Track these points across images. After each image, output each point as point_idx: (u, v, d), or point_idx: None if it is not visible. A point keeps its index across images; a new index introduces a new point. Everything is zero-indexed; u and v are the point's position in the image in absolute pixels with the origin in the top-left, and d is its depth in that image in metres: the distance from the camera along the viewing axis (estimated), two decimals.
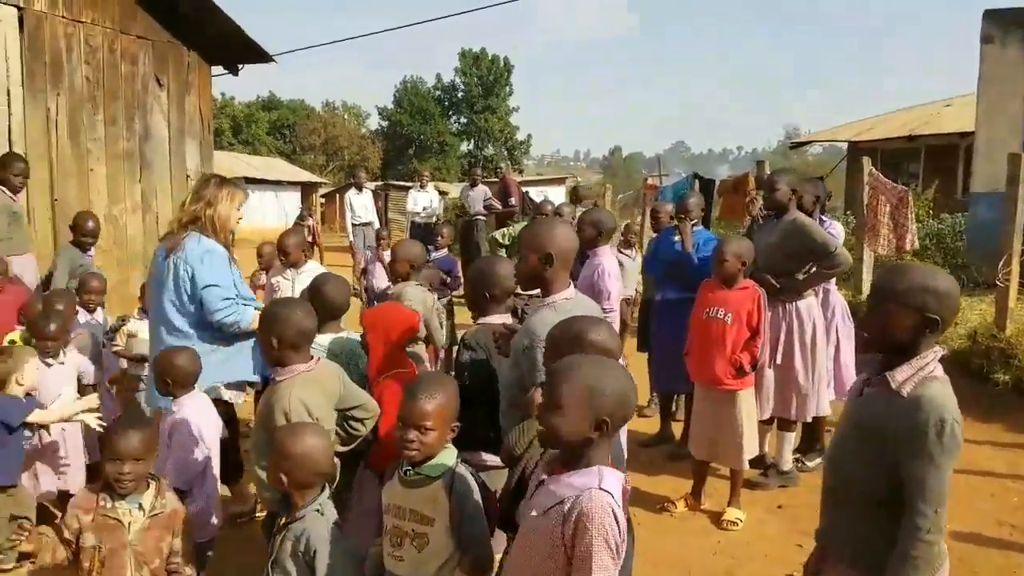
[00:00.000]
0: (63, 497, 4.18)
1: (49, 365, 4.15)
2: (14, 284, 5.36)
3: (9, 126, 6.25)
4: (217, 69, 8.74)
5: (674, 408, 5.87)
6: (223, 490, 4.29)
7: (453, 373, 4.18)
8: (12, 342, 4.36)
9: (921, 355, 2.15)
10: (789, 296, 4.74)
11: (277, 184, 28.25)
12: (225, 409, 4.04)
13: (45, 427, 3.81)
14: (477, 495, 2.30)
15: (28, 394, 3.76)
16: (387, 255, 7.13)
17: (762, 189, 7.87)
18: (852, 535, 2.22)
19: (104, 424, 3.60)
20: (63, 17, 6.71)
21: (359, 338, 3.60)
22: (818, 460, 5.14)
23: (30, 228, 5.91)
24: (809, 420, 4.90)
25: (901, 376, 2.13)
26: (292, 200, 27.65)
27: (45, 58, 6.56)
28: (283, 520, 2.45)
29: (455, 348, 5.52)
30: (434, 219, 12.22)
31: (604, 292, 4.61)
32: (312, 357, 2.97)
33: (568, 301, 2.79)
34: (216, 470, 3.51)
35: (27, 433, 3.79)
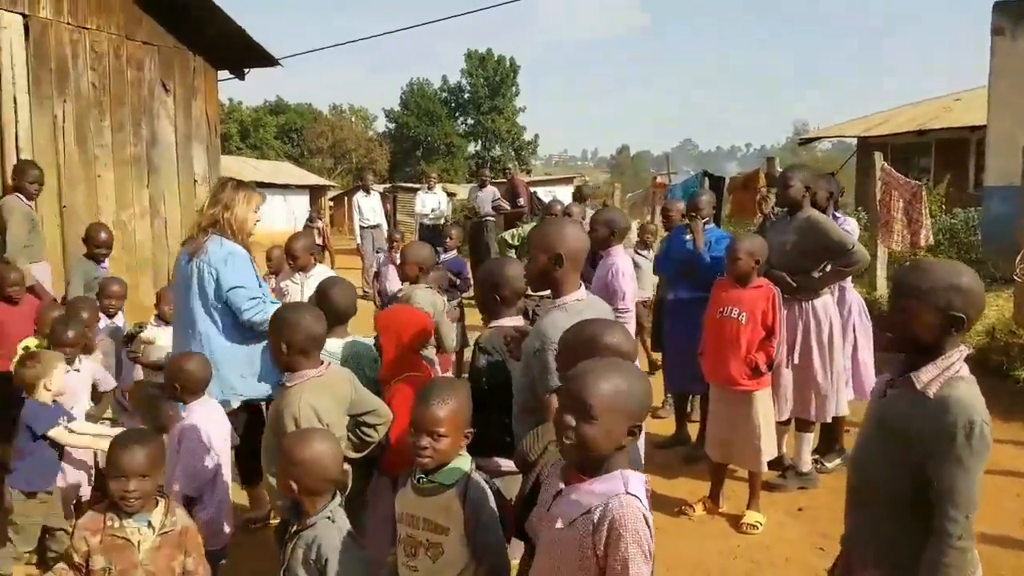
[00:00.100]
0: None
1: (66, 372, 4.13)
2: (33, 294, 5.38)
3: (16, 133, 6.24)
4: (223, 74, 8.72)
5: (689, 409, 5.80)
6: (240, 495, 4.28)
7: (466, 376, 4.15)
8: (26, 348, 4.34)
9: (946, 355, 2.09)
10: (805, 295, 4.66)
11: (285, 188, 28.27)
12: (251, 412, 4.03)
13: None
14: (492, 503, 2.24)
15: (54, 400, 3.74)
16: (400, 257, 7.09)
17: (773, 186, 7.83)
18: (876, 535, 2.17)
19: None
20: (68, 24, 6.69)
21: (367, 342, 3.56)
22: (837, 461, 5.07)
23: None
24: (828, 420, 4.81)
25: (926, 377, 2.07)
26: (300, 204, 27.65)
27: (51, 65, 6.55)
28: (294, 527, 2.42)
29: (465, 351, 5.50)
30: (442, 221, 12.18)
31: (619, 292, 4.54)
32: (322, 362, 2.93)
33: (579, 302, 2.74)
34: (228, 477, 3.47)
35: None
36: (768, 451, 4.34)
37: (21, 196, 5.56)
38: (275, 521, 3.72)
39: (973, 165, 14.83)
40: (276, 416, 2.82)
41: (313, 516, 2.35)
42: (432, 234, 11.00)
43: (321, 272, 5.24)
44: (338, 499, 2.42)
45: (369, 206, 12.19)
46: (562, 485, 1.93)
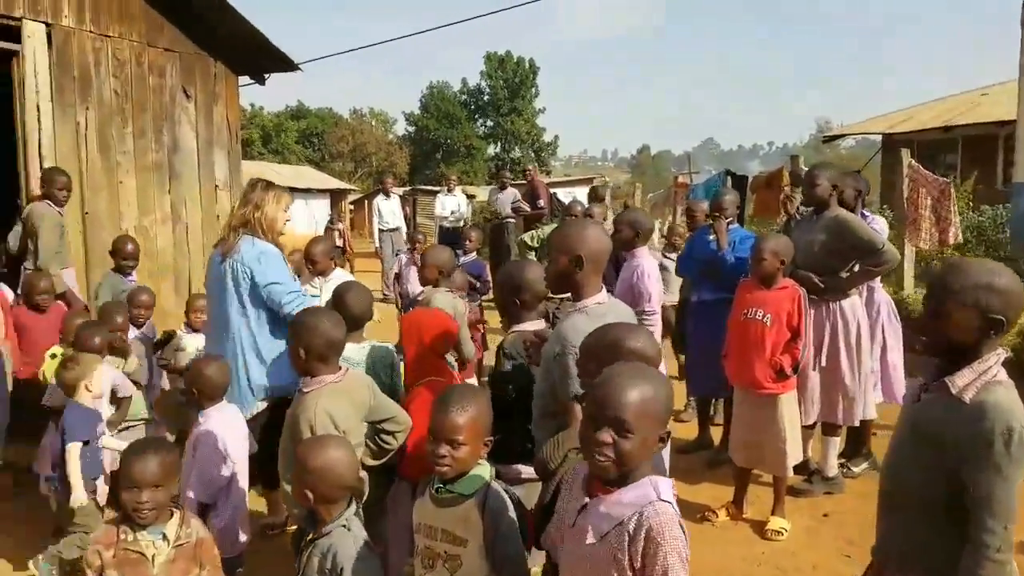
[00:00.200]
0: None
1: None
2: (64, 301, 5.44)
3: (39, 141, 6.29)
4: (244, 79, 8.76)
5: (712, 412, 5.72)
6: (258, 500, 4.27)
7: (486, 379, 4.10)
8: (52, 356, 4.38)
9: (983, 358, 2.02)
10: (833, 295, 4.57)
11: (306, 192, 28.40)
12: (274, 414, 4.03)
13: None
14: (512, 512, 2.19)
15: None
16: (419, 260, 7.08)
17: (797, 184, 7.73)
18: (909, 540, 2.11)
19: None
20: (90, 32, 6.74)
21: (384, 347, 3.53)
22: (864, 465, 4.97)
23: None
24: (856, 424, 4.71)
25: (962, 381, 2.01)
26: (321, 207, 27.77)
27: (74, 73, 6.59)
28: (310, 536, 2.38)
29: (485, 354, 5.42)
30: (462, 223, 12.18)
31: (644, 294, 4.49)
32: (340, 368, 2.91)
33: (601, 306, 2.68)
34: (244, 483, 3.46)
35: (101, 443, 3.80)
36: (793, 455, 4.25)
37: (50, 203, 5.61)
38: (293, 528, 3.71)
39: (1001, 161, 14.56)
40: (292, 422, 2.81)
41: (329, 524, 2.32)
42: (452, 236, 11.00)
43: (340, 276, 5.23)
44: (353, 507, 2.38)
45: (388, 209, 12.23)
46: (587, 498, 1.87)
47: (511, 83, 52.68)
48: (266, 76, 8.93)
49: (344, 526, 2.32)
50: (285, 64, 8.61)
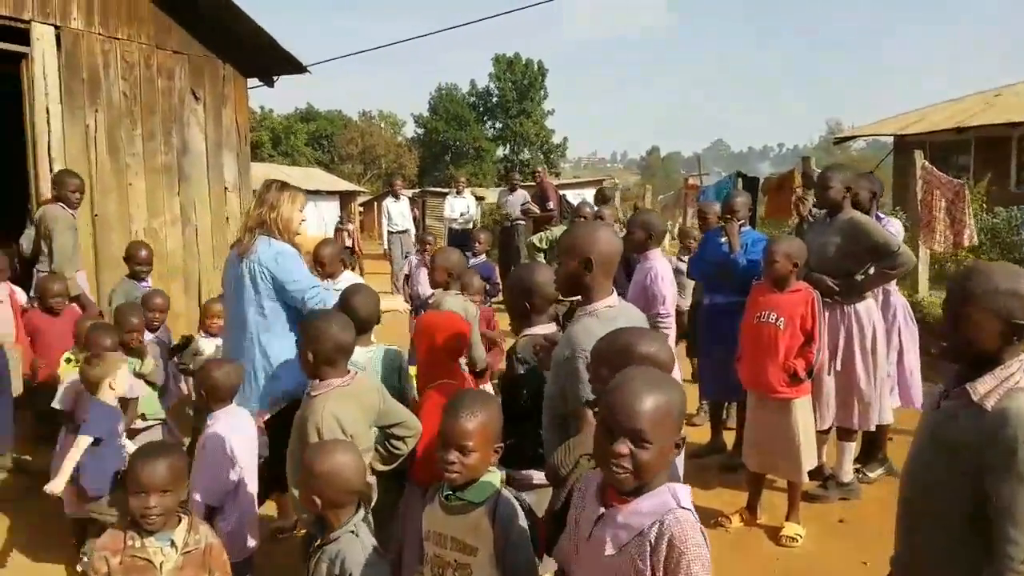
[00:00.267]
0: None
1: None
2: (78, 303, 5.43)
3: (49, 143, 6.29)
4: (253, 81, 8.77)
5: (725, 416, 5.65)
6: (268, 504, 4.24)
7: (496, 383, 4.06)
8: (68, 360, 4.37)
9: (1005, 364, 1.97)
10: (847, 299, 4.51)
11: (316, 194, 28.46)
12: (286, 416, 4.03)
13: None
14: (523, 521, 2.15)
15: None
16: (430, 263, 7.03)
17: (809, 186, 7.66)
18: (929, 548, 2.06)
19: None
20: (99, 34, 6.74)
21: (392, 350, 3.49)
22: (880, 471, 4.90)
23: None
24: (872, 429, 4.64)
25: (983, 388, 1.95)
26: (331, 209, 27.85)
27: (83, 75, 6.60)
28: (318, 541, 2.35)
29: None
30: (471, 225, 12.15)
31: (658, 297, 4.42)
32: (349, 372, 2.87)
33: (611, 309, 2.63)
34: (252, 487, 3.43)
35: (123, 442, 3.80)
36: (808, 461, 4.19)
37: (63, 205, 5.61)
38: (302, 532, 3.67)
39: (1015, 162, 14.44)
40: (300, 425, 2.78)
41: (337, 530, 2.28)
42: (461, 238, 10.96)
43: (349, 279, 5.19)
44: (362, 513, 2.34)
45: (398, 211, 12.22)
46: (602, 509, 1.82)
47: (520, 85, 52.74)
48: (275, 78, 8.93)
49: (352, 532, 2.28)
50: (293, 66, 8.61)
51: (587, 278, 2.63)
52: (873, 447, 4.95)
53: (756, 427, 4.35)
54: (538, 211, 11.07)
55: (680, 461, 2.64)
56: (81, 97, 6.60)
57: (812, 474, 4.40)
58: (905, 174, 10.06)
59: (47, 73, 6.31)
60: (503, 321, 4.69)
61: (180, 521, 2.49)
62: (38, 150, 6.27)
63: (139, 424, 4.37)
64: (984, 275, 2.01)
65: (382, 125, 54.19)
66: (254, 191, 8.95)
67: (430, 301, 4.66)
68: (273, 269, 3.64)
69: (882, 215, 5.10)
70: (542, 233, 8.36)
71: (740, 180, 10.15)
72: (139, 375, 4.35)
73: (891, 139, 17.63)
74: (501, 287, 6.94)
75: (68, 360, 4.38)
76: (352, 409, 2.75)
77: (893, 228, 4.90)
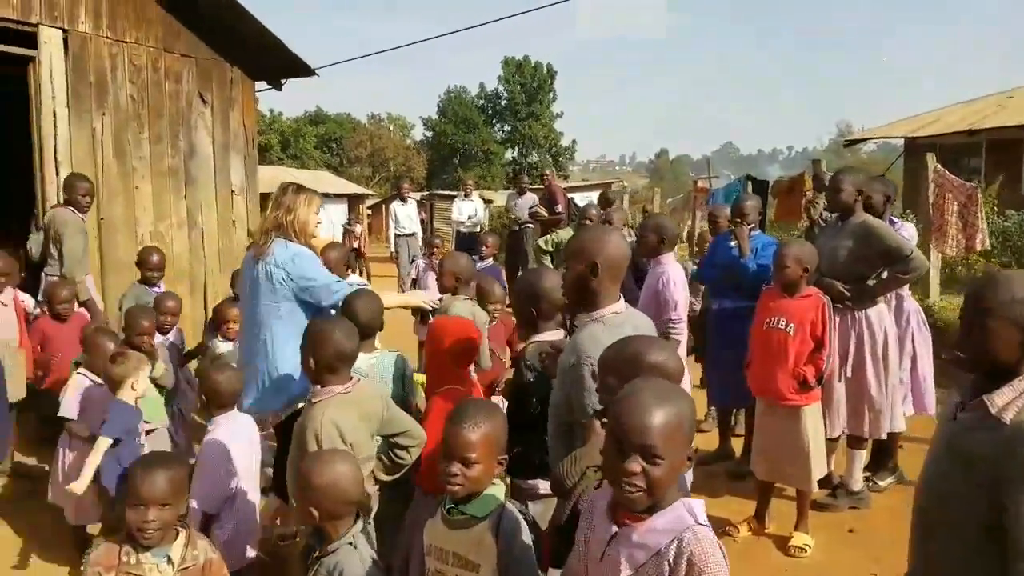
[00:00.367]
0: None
1: (102, 385, 4.12)
2: (86, 308, 5.42)
3: (55, 146, 6.28)
4: (261, 84, 8.75)
5: (733, 423, 5.59)
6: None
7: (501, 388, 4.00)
8: (76, 364, 4.35)
9: (1023, 376, 1.91)
10: (859, 304, 4.44)
11: (324, 197, 28.43)
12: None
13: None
14: (527, 536, 2.09)
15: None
16: (438, 267, 6.99)
17: (820, 189, 7.58)
18: (945, 559, 2.01)
19: None
20: (107, 38, 6.73)
21: (395, 356, 3.45)
22: (890, 479, 4.83)
23: None
24: (883, 437, 4.57)
25: (1001, 400, 1.90)
26: (339, 212, 27.83)
27: (90, 78, 6.59)
28: (316, 553, 2.30)
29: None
30: (479, 228, 12.12)
31: (670, 302, 4.36)
32: (352, 378, 2.83)
33: (618, 315, 2.58)
34: (253, 495, 3.40)
35: (141, 441, 3.78)
36: (818, 469, 4.12)
37: (73, 209, 5.61)
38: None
39: None
40: (299, 432, 2.74)
41: (335, 542, 2.24)
42: (469, 242, 10.93)
43: (355, 283, 5.15)
44: (360, 524, 2.30)
45: (405, 214, 12.20)
46: (614, 528, 1.75)
47: (528, 88, 52.73)
48: (282, 81, 8.91)
49: (351, 544, 2.24)
50: (301, 69, 8.58)
51: (593, 283, 2.57)
52: (884, 455, 4.88)
53: (765, 434, 4.28)
54: (546, 214, 11.02)
55: (688, 470, 2.58)
56: (88, 100, 6.58)
57: (821, 482, 4.34)
58: (916, 177, 9.98)
59: (54, 76, 6.30)
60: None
61: (178, 535, 2.41)
62: (44, 153, 6.26)
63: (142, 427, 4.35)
64: (1002, 284, 1.95)
65: (391, 128, 54.28)
66: (263, 194, 8.95)
67: (438, 305, 4.61)
68: (290, 269, 3.64)
69: (895, 219, 5.03)
70: (548, 236, 8.31)
71: (750, 183, 10.09)
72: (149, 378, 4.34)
73: (902, 141, 17.52)
74: (508, 291, 6.89)
75: (77, 364, 4.36)
76: (353, 417, 2.70)
77: (906, 232, 4.84)
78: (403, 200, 12.46)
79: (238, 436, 3.33)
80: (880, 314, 4.47)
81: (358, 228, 17.01)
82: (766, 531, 4.34)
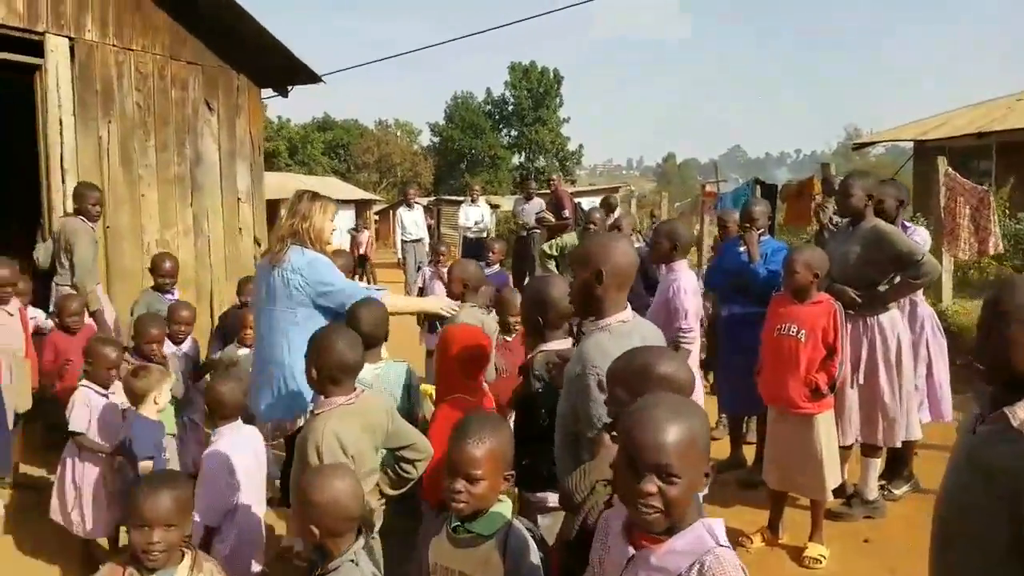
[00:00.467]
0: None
1: (107, 396, 4.09)
2: (92, 322, 5.41)
3: (61, 154, 6.27)
4: (267, 92, 8.75)
5: (744, 430, 5.52)
6: (279, 523, 4.17)
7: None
8: (86, 371, 4.33)
9: None
10: (870, 310, 4.37)
11: None
12: None
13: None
14: (535, 554, 2.04)
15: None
16: (446, 271, 6.93)
17: (830, 193, 7.51)
18: (965, 566, 1.95)
19: None
20: (113, 45, 6.73)
21: (400, 366, 3.40)
22: (906, 488, 4.75)
23: None
24: (898, 445, 4.49)
25: (1023, 413, 1.83)
26: (347, 218, 27.87)
27: (96, 86, 6.58)
28: (318, 570, 2.24)
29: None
30: (485, 234, 12.07)
31: (680, 311, 4.26)
32: (355, 390, 2.78)
33: (624, 324, 2.52)
34: (257, 507, 3.36)
35: (166, 456, 3.76)
36: (831, 478, 4.05)
37: (83, 218, 5.60)
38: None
39: None
40: (300, 444, 2.69)
41: (337, 559, 2.18)
42: (475, 247, 10.88)
43: (372, 288, 5.11)
44: (362, 541, 2.24)
45: (411, 220, 12.18)
46: (631, 550, 1.69)
47: (535, 93, 52.74)
48: (289, 88, 8.90)
49: (352, 560, 2.18)
50: (308, 76, 8.57)
51: (598, 291, 2.52)
52: (898, 463, 4.80)
53: (777, 443, 4.22)
54: (553, 220, 10.97)
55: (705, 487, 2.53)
56: (94, 108, 6.58)
57: (836, 491, 4.27)
58: (926, 180, 9.89)
59: (60, 85, 6.29)
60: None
61: (183, 557, 2.34)
62: (51, 162, 6.25)
63: None
64: (1020, 289, 1.89)
65: (398, 134, 54.40)
66: (270, 200, 8.92)
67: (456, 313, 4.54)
68: (307, 275, 3.64)
69: (907, 223, 4.96)
70: (553, 240, 8.25)
71: (758, 187, 10.02)
72: None
73: (910, 144, 17.40)
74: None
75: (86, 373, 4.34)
76: (355, 429, 2.65)
77: (919, 237, 4.77)
78: (409, 206, 12.45)
79: (241, 447, 3.29)
80: (893, 320, 4.40)
81: (365, 234, 16.98)
82: (780, 541, 4.27)
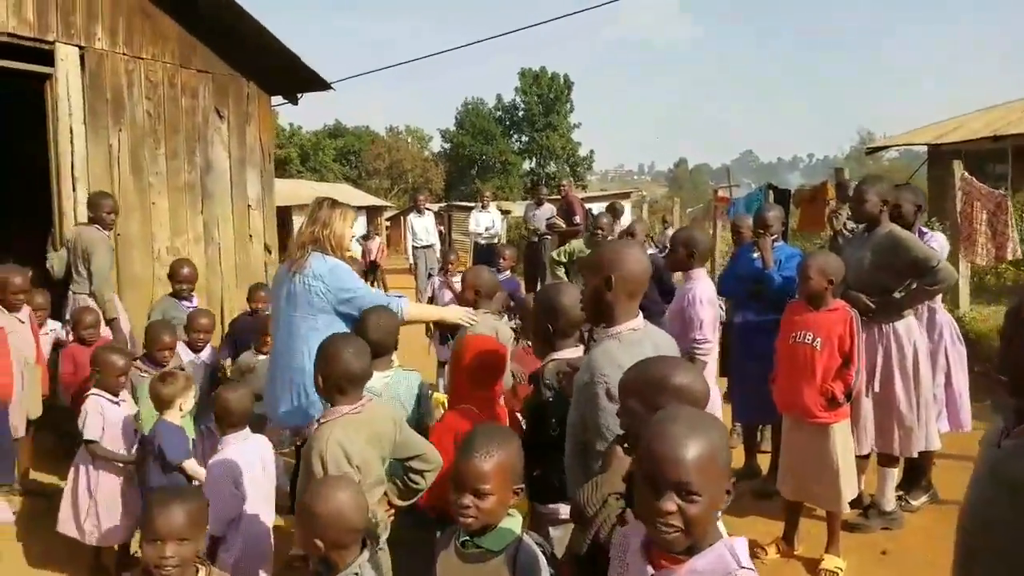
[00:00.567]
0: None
1: (118, 404, 4.08)
2: (108, 331, 5.41)
3: (72, 163, 6.28)
4: (277, 99, 8.74)
5: (759, 439, 5.44)
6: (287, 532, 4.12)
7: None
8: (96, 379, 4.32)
9: None
10: (885, 317, 4.29)
11: None
12: None
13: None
14: (545, 572, 1.99)
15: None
16: (456, 280, 6.90)
17: (844, 199, 7.43)
18: None
19: None
20: (124, 54, 6.74)
21: (410, 375, 3.35)
22: (924, 498, 4.66)
23: None
24: (915, 455, 4.40)
25: None
26: (358, 225, 27.96)
27: (107, 95, 6.59)
28: None
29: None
30: (496, 240, 12.05)
31: (696, 321, 4.14)
32: (363, 398, 2.74)
33: (635, 332, 2.47)
34: (266, 517, 3.33)
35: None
36: (848, 489, 3.97)
37: (99, 227, 5.62)
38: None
39: None
40: (305, 454, 2.66)
41: (341, 572, 2.14)
42: (487, 253, 10.86)
43: (392, 295, 5.07)
44: (367, 554, 2.20)
45: (422, 226, 12.16)
46: (651, 569, 1.63)
47: (546, 99, 52.81)
48: (299, 96, 8.90)
49: (356, 573, 2.15)
50: (318, 83, 8.56)
51: (609, 297, 2.48)
52: (916, 473, 4.71)
53: (792, 452, 4.14)
54: (564, 225, 10.93)
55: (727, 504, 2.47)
56: (105, 117, 6.59)
57: (852, 502, 4.18)
58: (940, 184, 9.77)
59: (71, 93, 6.30)
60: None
61: (198, 572, 2.29)
62: (61, 169, 6.26)
63: None
64: None
65: (409, 140, 54.54)
66: (280, 207, 8.91)
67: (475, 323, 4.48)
68: (329, 282, 3.64)
69: (925, 229, 4.88)
70: (563, 247, 8.21)
71: (771, 192, 9.94)
72: None
73: (924, 148, 17.25)
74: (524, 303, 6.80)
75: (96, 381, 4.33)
76: (360, 438, 2.60)
77: (936, 243, 4.67)
78: (420, 212, 12.43)
79: (248, 456, 3.27)
80: (909, 328, 4.32)
81: (376, 240, 16.98)
82: (795, 553, 4.19)
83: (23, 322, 5.07)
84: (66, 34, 6.29)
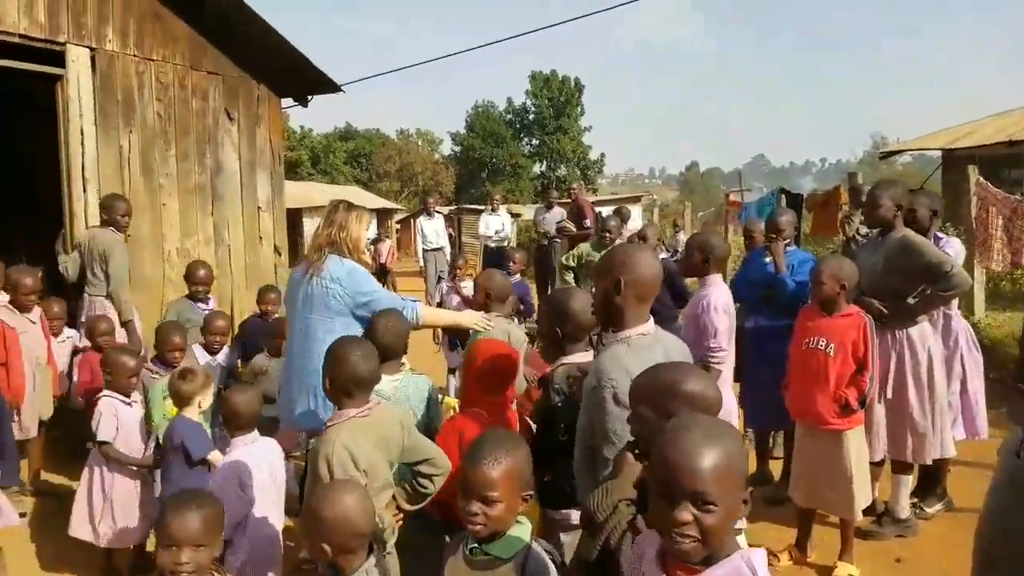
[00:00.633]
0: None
1: (130, 405, 4.08)
2: (127, 330, 5.42)
3: (83, 164, 6.29)
4: (287, 101, 8.75)
5: (771, 445, 5.38)
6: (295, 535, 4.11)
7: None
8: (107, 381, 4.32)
9: None
10: (899, 322, 4.24)
11: None
12: None
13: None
14: None
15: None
16: (464, 284, 6.88)
17: (857, 204, 7.36)
18: None
19: None
20: (134, 56, 6.76)
21: (419, 379, 3.33)
22: (938, 506, 4.59)
23: None
24: (928, 462, 4.34)
25: None
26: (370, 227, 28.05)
27: (117, 96, 6.60)
28: None
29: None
30: (506, 243, 12.03)
31: (710, 328, 3.99)
32: (370, 402, 2.72)
33: (645, 337, 2.43)
34: (274, 520, 3.30)
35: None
36: (862, 496, 3.91)
37: (114, 229, 5.64)
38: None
39: None
40: (312, 458, 2.64)
41: None
42: (497, 257, 10.84)
43: (408, 298, 5.05)
44: (373, 559, 2.17)
45: (432, 229, 12.17)
46: None
47: (556, 102, 52.83)
48: (309, 98, 8.90)
49: None
50: (327, 85, 8.57)
51: (618, 300, 2.44)
52: (931, 480, 4.65)
53: (805, 459, 4.09)
54: (574, 229, 10.89)
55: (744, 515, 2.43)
56: (115, 118, 6.60)
57: (866, 509, 4.12)
58: (955, 189, 9.68)
59: (82, 95, 6.32)
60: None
61: None
62: (72, 171, 6.27)
63: None
64: None
65: (419, 143, 54.68)
66: (290, 209, 8.91)
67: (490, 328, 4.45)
68: (347, 284, 3.64)
69: (940, 234, 4.81)
70: (572, 252, 8.18)
71: (783, 197, 9.88)
72: None
73: (938, 153, 17.12)
74: (535, 307, 6.77)
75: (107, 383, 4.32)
76: (367, 442, 2.58)
77: (952, 249, 4.61)
78: (430, 214, 12.44)
79: (256, 459, 3.24)
80: (923, 334, 4.26)
81: (387, 243, 16.99)
82: (808, 560, 4.13)
83: (34, 323, 5.08)
84: (77, 35, 6.30)
